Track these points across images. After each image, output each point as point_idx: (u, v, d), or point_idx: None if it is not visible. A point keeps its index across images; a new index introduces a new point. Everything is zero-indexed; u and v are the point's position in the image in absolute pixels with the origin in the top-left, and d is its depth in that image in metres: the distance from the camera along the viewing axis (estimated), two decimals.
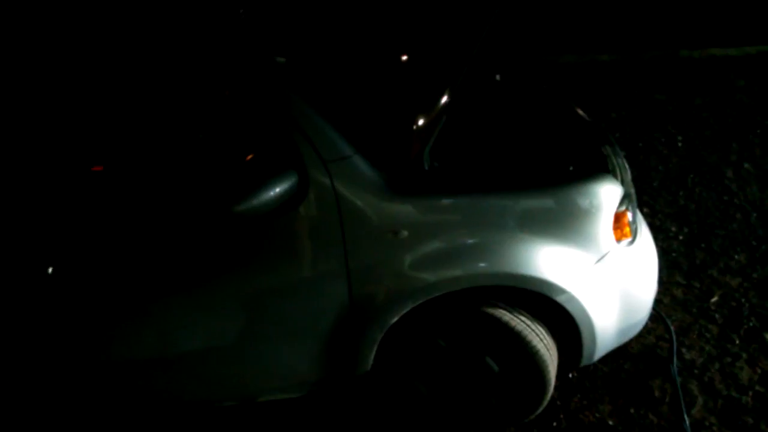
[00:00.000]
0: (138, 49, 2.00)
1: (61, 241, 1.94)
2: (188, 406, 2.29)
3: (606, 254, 2.01)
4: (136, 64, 1.97)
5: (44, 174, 1.96)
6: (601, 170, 2.03)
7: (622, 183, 2.05)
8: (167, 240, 1.95)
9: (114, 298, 1.99)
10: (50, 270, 1.88)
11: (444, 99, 2.00)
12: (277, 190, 1.73)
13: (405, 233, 1.88)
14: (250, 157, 1.78)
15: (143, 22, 2.11)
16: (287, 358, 2.10)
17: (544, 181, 1.98)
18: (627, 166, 2.23)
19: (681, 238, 3.28)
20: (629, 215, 2.08)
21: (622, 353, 2.56)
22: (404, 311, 1.97)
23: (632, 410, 2.34)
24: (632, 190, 2.18)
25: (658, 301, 2.74)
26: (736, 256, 3.08)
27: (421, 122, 1.90)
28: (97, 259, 1.97)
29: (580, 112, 2.57)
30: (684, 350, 2.57)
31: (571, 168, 2.05)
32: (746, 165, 3.89)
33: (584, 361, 2.13)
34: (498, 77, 2.65)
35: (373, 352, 2.07)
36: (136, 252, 1.96)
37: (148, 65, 1.96)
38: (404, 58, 2.19)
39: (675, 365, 2.47)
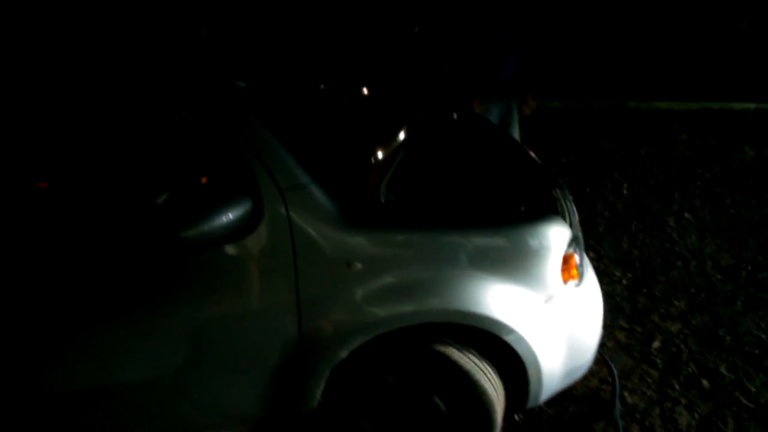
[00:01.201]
0: (95, 64, 1.94)
1: None
2: None
3: (553, 295, 2.03)
4: (92, 78, 1.91)
5: None
6: (551, 212, 2.06)
7: (571, 226, 2.09)
8: (108, 263, 1.86)
9: (48, 322, 1.88)
10: None
11: (402, 134, 2.01)
12: (230, 216, 1.68)
13: (359, 266, 1.85)
14: (203, 180, 1.73)
15: (104, 36, 2.06)
16: (230, 393, 2.02)
17: (497, 220, 1.99)
18: (575, 209, 2.28)
19: (624, 282, 3.36)
20: (577, 257, 2.12)
21: (566, 395, 2.57)
22: (355, 346, 1.93)
23: None
24: (580, 233, 2.23)
25: (601, 345, 2.79)
26: (676, 303, 3.17)
27: (379, 155, 1.90)
28: (32, 279, 1.86)
29: (532, 154, 2.64)
30: (626, 394, 2.61)
31: (522, 208, 2.08)
32: (687, 215, 4.05)
33: (530, 403, 2.12)
34: (455, 116, 2.70)
35: (321, 388, 2.01)
36: (74, 274, 1.87)
37: (104, 80, 1.91)
38: (365, 91, 2.20)
39: (617, 409, 2.50)
